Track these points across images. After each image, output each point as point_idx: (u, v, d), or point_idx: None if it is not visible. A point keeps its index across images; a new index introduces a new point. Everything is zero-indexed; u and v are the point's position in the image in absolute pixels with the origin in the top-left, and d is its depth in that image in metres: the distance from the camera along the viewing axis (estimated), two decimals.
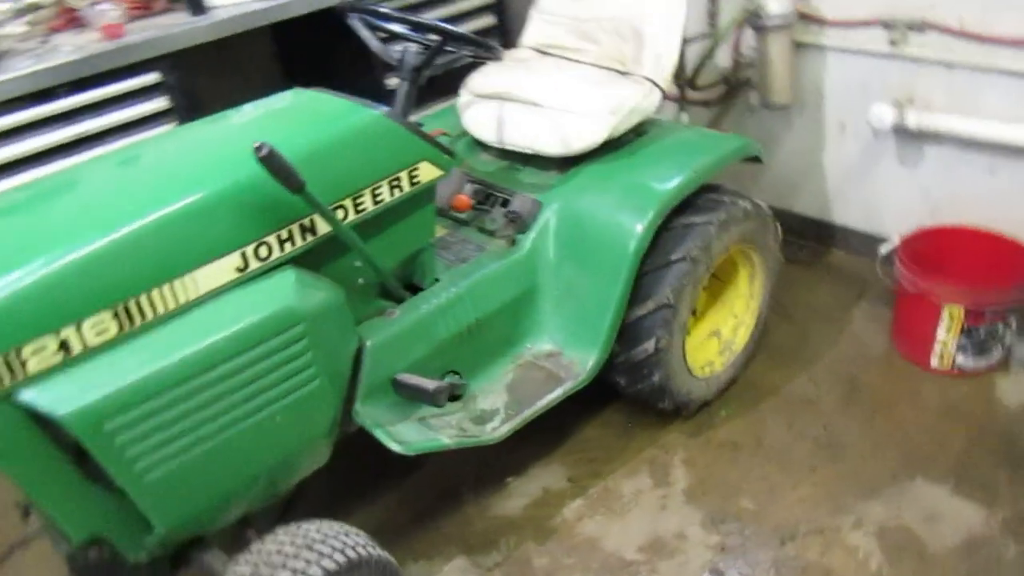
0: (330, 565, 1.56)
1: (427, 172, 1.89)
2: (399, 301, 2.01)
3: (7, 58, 2.62)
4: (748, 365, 2.59)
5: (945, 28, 2.52)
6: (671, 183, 2.13)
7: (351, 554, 1.61)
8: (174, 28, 2.78)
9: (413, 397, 1.89)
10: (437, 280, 2.08)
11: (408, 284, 2.06)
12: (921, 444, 2.29)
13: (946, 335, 2.45)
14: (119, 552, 1.63)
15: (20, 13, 2.86)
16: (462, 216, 2.30)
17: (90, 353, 1.45)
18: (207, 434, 1.57)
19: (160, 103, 2.77)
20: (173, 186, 1.59)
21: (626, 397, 2.38)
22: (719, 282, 2.52)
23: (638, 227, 2.07)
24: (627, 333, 2.16)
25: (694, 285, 2.19)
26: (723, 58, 3.08)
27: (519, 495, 2.26)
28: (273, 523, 1.71)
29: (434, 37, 1.97)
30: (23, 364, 1.39)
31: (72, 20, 2.88)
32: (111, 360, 1.46)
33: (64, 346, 1.42)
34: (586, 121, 2.17)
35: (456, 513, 2.22)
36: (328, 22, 2.45)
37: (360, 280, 1.89)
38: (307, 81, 2.06)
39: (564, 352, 2.17)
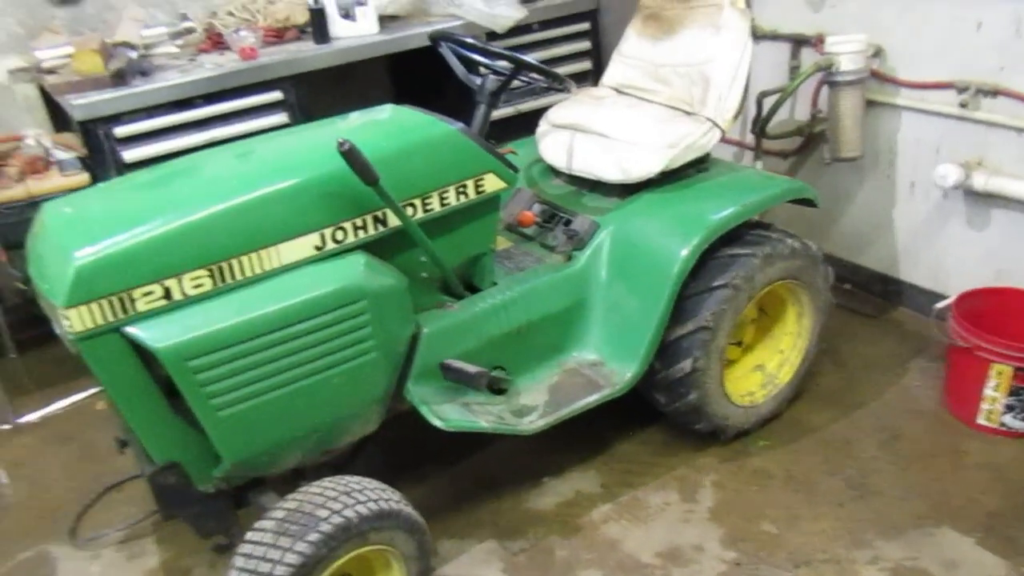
0: (363, 510, 1.78)
1: (492, 183, 2.12)
2: (458, 297, 2.24)
3: (159, 71, 3.07)
4: (792, 403, 2.67)
5: (1015, 94, 2.58)
6: (719, 214, 2.28)
7: (384, 505, 1.82)
8: (300, 53, 3.18)
9: (456, 379, 2.10)
10: (495, 283, 2.29)
11: (468, 285, 2.29)
12: (953, 496, 2.31)
13: (994, 393, 2.46)
14: (191, 480, 1.90)
15: (175, 35, 3.33)
16: (527, 232, 2.52)
17: (187, 301, 1.75)
18: (273, 384, 1.82)
19: (280, 118, 3.15)
20: (271, 172, 1.89)
21: (666, 417, 2.50)
22: (768, 318, 2.63)
23: (683, 252, 2.23)
24: (667, 351, 2.31)
25: (734, 312, 2.32)
26: (801, 111, 3.21)
27: (552, 493, 2.42)
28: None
29: (509, 66, 2.23)
30: (133, 303, 1.69)
31: (217, 43, 3.33)
32: (203, 310, 1.75)
33: (167, 293, 1.72)
34: (645, 152, 2.37)
35: (491, 502, 2.40)
36: (436, 55, 2.76)
37: (424, 273, 2.13)
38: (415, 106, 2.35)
39: (606, 362, 2.34)
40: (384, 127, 2.13)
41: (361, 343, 1.92)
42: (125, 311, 1.68)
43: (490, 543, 2.27)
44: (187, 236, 1.73)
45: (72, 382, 3.24)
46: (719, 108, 2.46)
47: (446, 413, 2.07)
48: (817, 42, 3.03)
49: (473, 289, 2.29)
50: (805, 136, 3.17)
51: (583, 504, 2.38)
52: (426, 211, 2.03)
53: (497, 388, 2.19)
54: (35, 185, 2.72)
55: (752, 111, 3.05)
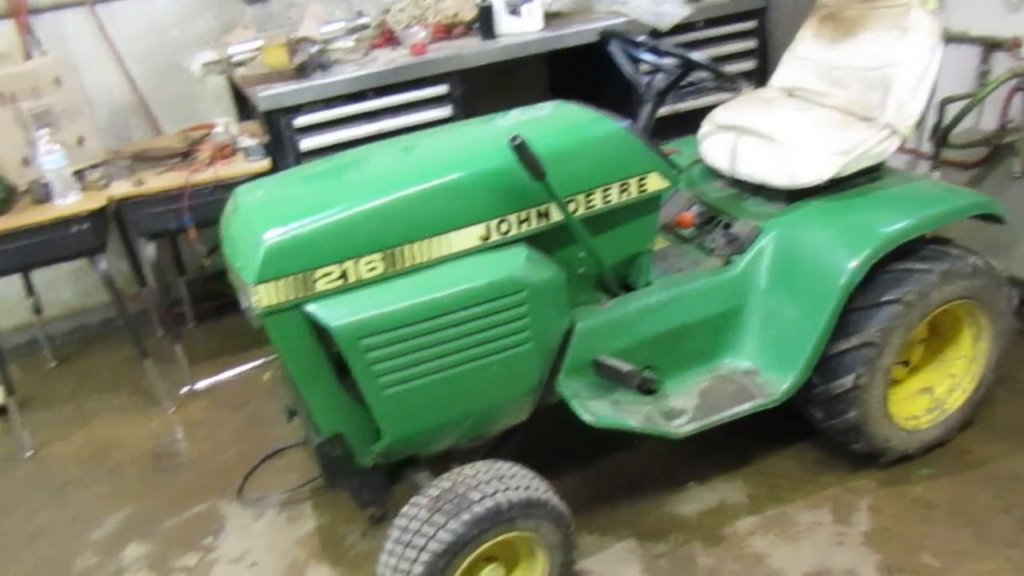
0: (513, 496, 1.82)
1: (655, 182, 2.11)
2: (612, 295, 2.25)
3: (337, 65, 3.24)
4: (962, 430, 2.49)
5: None
6: (893, 227, 2.17)
7: (533, 494, 1.86)
8: (466, 49, 3.27)
9: (608, 376, 2.10)
10: (650, 283, 2.28)
11: (623, 283, 2.29)
12: None
13: None
14: (353, 452, 2.01)
15: (350, 31, 3.50)
16: (685, 233, 2.48)
17: (361, 284, 1.85)
18: (435, 367, 1.90)
19: (444, 111, 3.27)
20: (442, 164, 1.96)
21: (821, 434, 2.41)
22: (940, 339, 2.47)
23: (852, 263, 2.13)
24: (827, 366, 2.22)
25: (904, 330, 2.19)
26: (989, 119, 2.99)
27: (696, 500, 2.38)
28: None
29: (678, 64, 2.20)
30: (314, 283, 1.80)
31: (389, 39, 3.49)
32: (375, 292, 1.85)
33: (344, 275, 1.83)
34: (814, 158, 2.28)
35: (634, 503, 2.39)
36: (596, 54, 2.77)
37: (581, 269, 2.15)
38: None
39: (761, 372, 2.27)
40: (551, 123, 2.16)
41: (519, 333, 1.96)
42: (306, 290, 1.80)
43: (630, 542, 2.27)
44: (365, 222, 1.83)
45: (242, 353, 3.49)
46: (899, 115, 2.33)
47: (596, 409, 2.08)
48: (1013, 46, 2.80)
49: (628, 288, 2.29)
50: (992, 147, 2.95)
51: (727, 514, 2.33)
52: (588, 208, 2.05)
53: (647, 388, 2.18)
54: (223, 169, 2.95)
55: (932, 118, 2.87)
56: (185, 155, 3.11)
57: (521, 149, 1.83)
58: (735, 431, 2.27)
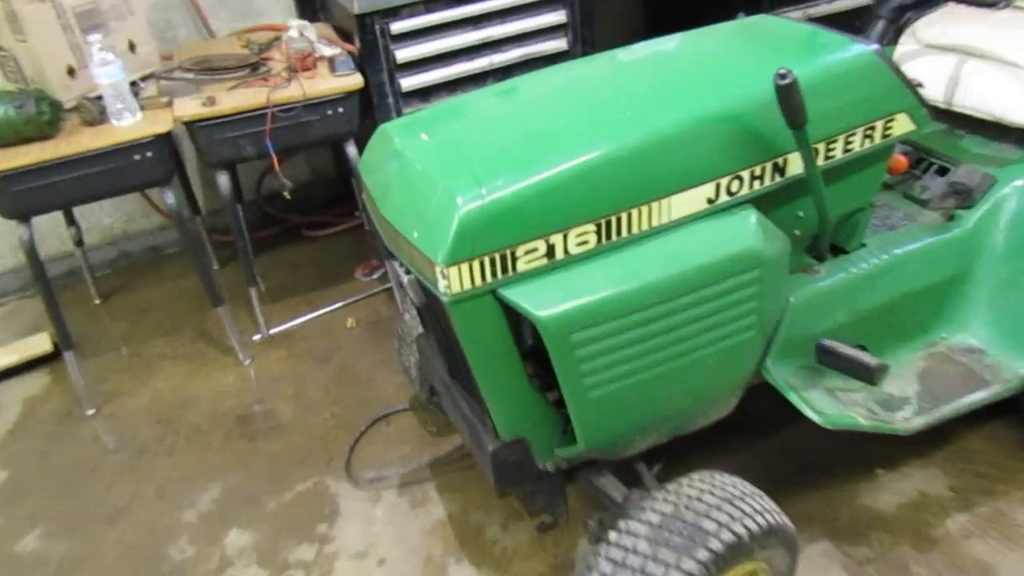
0: (752, 525, 1.49)
1: (901, 125, 1.69)
2: (820, 259, 1.86)
3: None
4: None
5: None
6: None
7: (772, 519, 1.52)
8: None
9: (841, 368, 1.74)
10: (863, 244, 1.89)
11: (832, 244, 1.90)
12: None
13: None
14: (533, 456, 1.66)
15: None
16: (888, 180, 2.07)
17: (569, 261, 1.44)
18: (649, 363, 1.52)
19: (558, 16, 2.77)
20: (670, 104, 1.52)
21: (1014, 411, 2.08)
22: None
23: None
24: None
25: None
26: None
27: (891, 491, 2.07)
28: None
29: None
30: (515, 262, 1.40)
31: None
32: (586, 272, 1.45)
33: (550, 251, 1.42)
34: None
35: (820, 493, 2.08)
36: None
37: (797, 231, 1.75)
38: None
39: (988, 351, 1.92)
40: (785, 48, 1.70)
41: (745, 317, 1.58)
42: (505, 270, 1.40)
43: (825, 544, 1.96)
44: (580, 182, 1.40)
45: (314, 292, 3.11)
46: None
47: (820, 404, 1.73)
48: None
49: (837, 250, 1.90)
50: None
51: (932, 510, 2.02)
52: (828, 158, 1.63)
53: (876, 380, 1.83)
54: (308, 85, 2.46)
55: None
56: (255, 66, 2.62)
57: (789, 90, 1.39)
58: None
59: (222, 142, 2.44)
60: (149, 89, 2.55)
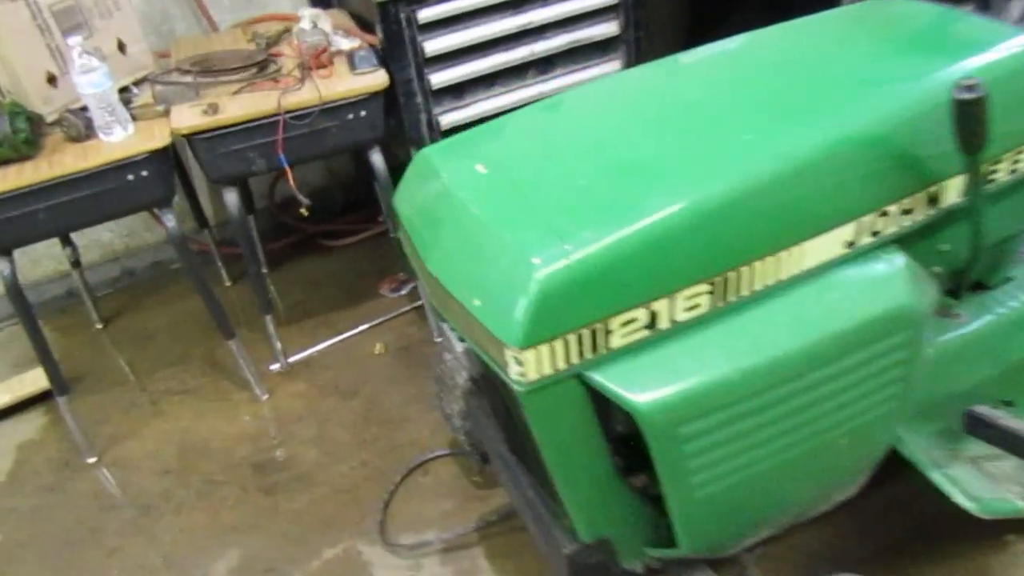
0: None
1: None
2: (955, 297, 1.52)
3: None
4: None
5: None
6: None
7: None
8: None
9: (1002, 444, 1.41)
10: (1008, 279, 1.55)
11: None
12: None
13: None
14: (615, 556, 1.35)
15: None
16: None
17: (674, 331, 1.12)
18: (772, 450, 1.20)
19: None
20: (788, 128, 1.19)
21: None
22: None
23: None
24: None
25: None
26: None
27: None
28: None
29: None
30: (607, 336, 1.07)
31: None
32: (697, 345, 1.12)
33: (652, 320, 1.09)
34: None
35: (939, 565, 1.75)
36: None
37: (938, 269, 1.41)
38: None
39: None
40: (937, 42, 1.35)
41: (890, 386, 1.25)
42: (595, 348, 1.07)
43: None
44: (693, 230, 1.07)
45: (334, 312, 2.80)
46: None
47: (971, 486, 1.40)
48: None
49: (979, 286, 1.56)
50: None
51: None
52: (988, 182, 1.29)
53: None
54: (325, 86, 2.13)
55: None
56: (262, 65, 2.28)
57: (974, 107, 1.06)
58: None
59: (227, 156, 2.12)
60: (143, 95, 2.22)
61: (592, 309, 1.04)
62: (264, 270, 3.03)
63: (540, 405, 1.11)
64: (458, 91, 2.37)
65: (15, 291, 2.06)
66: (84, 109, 2.05)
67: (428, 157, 1.28)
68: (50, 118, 2.09)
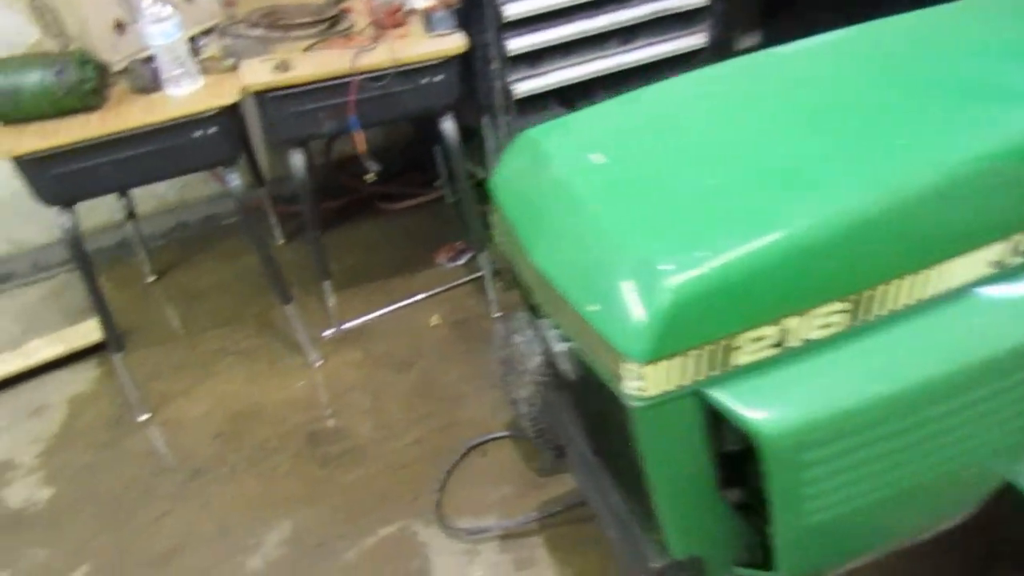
0: None
1: None
2: None
3: None
4: None
5: None
6: None
7: None
8: None
9: None
10: None
11: None
12: None
13: None
14: (703, 573, 1.28)
15: None
16: None
17: (803, 350, 1.03)
18: (894, 479, 1.12)
19: None
20: (952, 131, 1.07)
21: None
22: None
23: None
24: None
25: None
26: None
27: None
28: None
29: None
30: (732, 353, 0.99)
31: None
32: (827, 365, 1.03)
33: (781, 339, 1.00)
34: None
35: None
36: None
37: None
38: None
39: None
40: None
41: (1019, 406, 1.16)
42: (715, 364, 0.99)
43: None
44: (839, 242, 0.98)
45: (387, 279, 2.73)
46: None
47: None
48: None
49: None
50: None
51: None
52: None
53: None
54: (400, 47, 2.03)
55: None
56: (333, 20, 2.18)
57: None
58: None
59: (297, 116, 2.03)
60: (210, 48, 2.14)
61: (723, 324, 0.95)
62: (323, 246, 2.96)
63: (652, 421, 1.03)
64: (534, 59, 2.26)
65: (76, 246, 2.01)
66: (150, 59, 1.97)
67: (535, 140, 1.18)
68: (116, 67, 2.01)
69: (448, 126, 2.18)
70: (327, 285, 2.43)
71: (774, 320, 0.98)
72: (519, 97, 2.26)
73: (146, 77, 1.95)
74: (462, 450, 2.10)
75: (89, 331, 2.55)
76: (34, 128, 1.88)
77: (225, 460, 2.19)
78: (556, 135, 1.19)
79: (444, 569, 1.85)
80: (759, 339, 0.98)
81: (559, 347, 1.15)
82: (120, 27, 2.00)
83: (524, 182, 1.18)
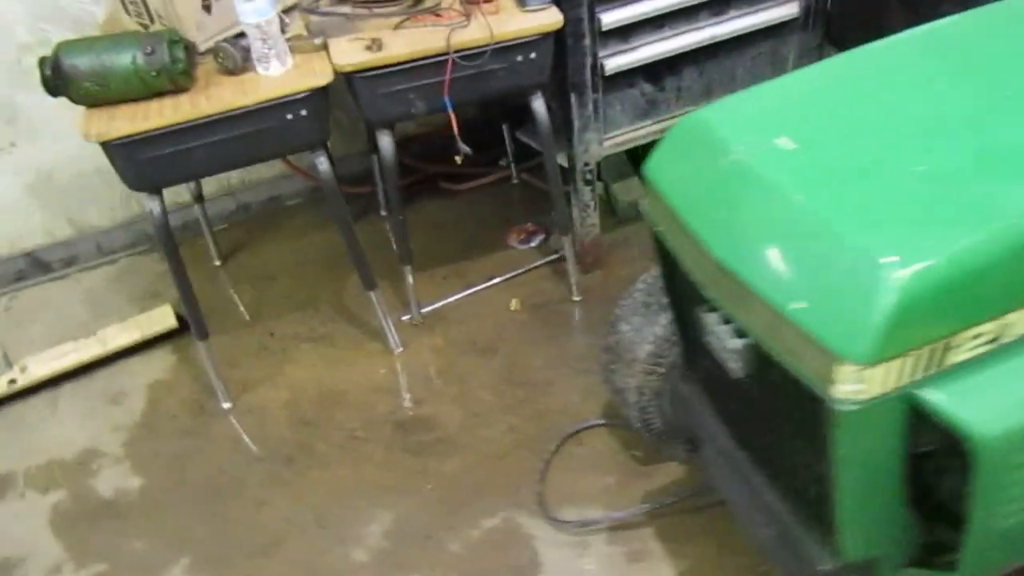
0: None
1: None
2: None
3: None
4: None
5: None
6: None
7: None
8: None
9: None
10: None
11: None
12: None
13: None
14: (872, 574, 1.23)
15: None
16: None
17: (1014, 346, 0.97)
18: None
19: None
20: None
21: None
22: None
23: None
24: None
25: None
26: None
27: None
28: None
29: None
30: (948, 352, 0.93)
31: None
32: None
33: (997, 335, 0.94)
34: None
35: None
36: None
37: None
38: None
39: None
40: None
41: None
42: (938, 363, 0.93)
43: None
44: None
45: (462, 261, 2.67)
46: None
47: None
48: None
49: None
50: None
51: None
52: None
53: None
54: (495, 23, 1.95)
55: None
56: None
57: None
58: None
59: (389, 97, 1.97)
60: (294, 25, 2.07)
61: (949, 321, 0.89)
62: (383, 212, 2.90)
63: (856, 424, 0.97)
64: (625, 33, 2.17)
65: (165, 233, 1.97)
66: (238, 37, 1.91)
67: (706, 124, 1.12)
68: (203, 47, 1.95)
69: (538, 105, 2.11)
70: (407, 269, 2.37)
71: (1000, 315, 0.92)
72: (609, 73, 2.18)
73: (236, 57, 1.89)
74: (557, 439, 2.05)
75: (163, 317, 2.51)
76: (124, 111, 1.82)
77: (315, 449, 2.15)
78: (727, 119, 1.12)
79: (555, 562, 1.82)
80: (978, 336, 0.93)
81: (732, 343, 1.09)
82: (207, 6, 1.93)
83: (694, 168, 1.11)
